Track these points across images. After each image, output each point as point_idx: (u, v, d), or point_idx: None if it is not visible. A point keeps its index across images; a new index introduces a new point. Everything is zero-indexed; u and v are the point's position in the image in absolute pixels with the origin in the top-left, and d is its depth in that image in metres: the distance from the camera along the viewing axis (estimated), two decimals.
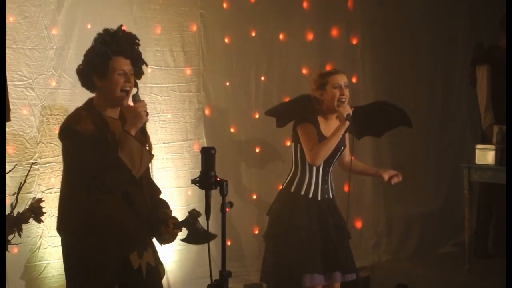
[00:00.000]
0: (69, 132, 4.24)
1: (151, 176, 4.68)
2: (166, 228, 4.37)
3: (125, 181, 4.24)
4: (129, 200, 4.32)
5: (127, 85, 4.29)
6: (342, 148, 5.42)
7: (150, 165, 4.55)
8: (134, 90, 4.35)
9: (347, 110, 5.22)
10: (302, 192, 5.32)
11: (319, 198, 5.34)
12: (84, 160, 4.19)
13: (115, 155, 4.15)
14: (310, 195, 5.32)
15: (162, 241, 4.45)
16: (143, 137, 4.39)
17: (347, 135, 5.47)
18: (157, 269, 4.50)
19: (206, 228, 4.06)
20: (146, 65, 4.47)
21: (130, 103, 4.34)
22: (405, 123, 5.66)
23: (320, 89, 5.30)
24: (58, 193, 5.47)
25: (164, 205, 4.53)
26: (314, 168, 5.33)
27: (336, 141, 5.26)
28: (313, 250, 5.25)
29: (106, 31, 4.36)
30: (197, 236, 4.33)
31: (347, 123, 5.22)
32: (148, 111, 4.31)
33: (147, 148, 4.37)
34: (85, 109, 4.33)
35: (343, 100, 5.26)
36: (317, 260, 5.25)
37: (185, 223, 4.35)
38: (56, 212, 5.47)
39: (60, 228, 4.39)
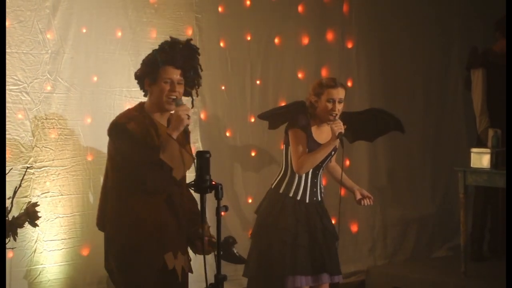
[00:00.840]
0: (119, 129, 4.46)
1: None
2: (202, 244, 4.50)
3: (167, 183, 4.43)
4: (170, 201, 4.52)
5: (172, 94, 4.52)
6: (333, 152, 5.44)
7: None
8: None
9: (339, 128, 5.24)
10: (291, 194, 5.35)
11: (307, 201, 5.38)
12: (131, 159, 4.39)
13: (157, 156, 4.33)
14: (298, 197, 5.36)
15: (196, 252, 4.68)
16: (186, 141, 4.62)
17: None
18: (187, 275, 4.68)
19: (236, 252, 4.49)
20: (200, 77, 4.68)
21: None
22: (397, 129, 5.67)
23: (316, 96, 5.33)
24: (53, 197, 5.53)
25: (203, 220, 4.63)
26: None
27: (323, 155, 5.31)
28: (299, 252, 5.27)
29: (168, 41, 4.63)
30: (228, 258, 4.56)
31: (337, 141, 5.25)
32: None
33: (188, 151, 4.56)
34: (136, 110, 4.57)
35: (334, 114, 5.28)
36: (303, 262, 5.28)
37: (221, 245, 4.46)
38: (51, 216, 5.51)
39: (102, 225, 4.60)
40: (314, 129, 5.35)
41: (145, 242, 4.43)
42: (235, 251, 4.55)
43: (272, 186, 5.47)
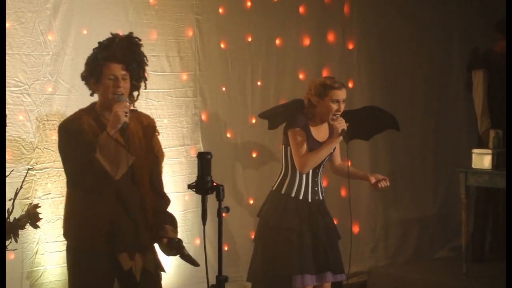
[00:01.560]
0: (61, 130, 4.47)
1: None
2: (161, 245, 4.53)
3: (103, 182, 4.35)
4: (121, 201, 4.43)
5: (117, 90, 4.43)
6: (332, 151, 5.43)
7: (158, 172, 4.72)
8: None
9: (342, 125, 5.23)
10: (293, 194, 5.35)
11: (309, 200, 5.37)
12: (70, 159, 4.39)
13: (92, 155, 4.27)
14: (301, 197, 5.35)
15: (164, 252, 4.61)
16: (148, 141, 4.54)
17: None
18: (157, 275, 4.57)
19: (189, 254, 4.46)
20: (144, 70, 4.58)
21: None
22: (393, 126, 5.66)
23: (317, 96, 5.30)
24: (55, 199, 5.54)
25: (168, 220, 4.62)
26: None
27: (327, 152, 5.30)
28: (304, 251, 5.27)
29: (107, 38, 4.55)
30: (184, 258, 4.55)
31: (340, 138, 5.24)
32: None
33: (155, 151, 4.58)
34: (86, 110, 4.53)
35: (338, 114, 5.28)
36: (308, 261, 5.27)
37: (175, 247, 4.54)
38: (53, 217, 5.54)
39: (64, 233, 4.59)
40: (312, 128, 5.35)
41: (96, 244, 4.39)
42: (187, 253, 4.52)
43: (273, 188, 5.46)
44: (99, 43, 4.55)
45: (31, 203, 4.85)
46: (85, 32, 5.73)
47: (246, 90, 6.69)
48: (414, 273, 6.95)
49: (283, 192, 5.37)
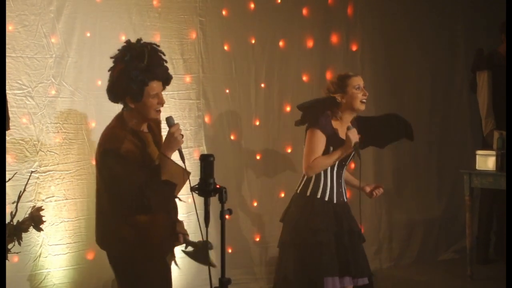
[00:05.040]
0: (113, 156, 4.32)
1: None
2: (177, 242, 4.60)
3: (168, 200, 4.46)
4: (169, 216, 4.53)
5: (159, 106, 4.44)
6: (353, 153, 5.38)
7: None
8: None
9: (355, 138, 5.19)
10: (318, 195, 5.29)
11: (335, 201, 5.32)
12: (129, 182, 4.30)
13: (159, 179, 4.29)
14: (326, 198, 5.29)
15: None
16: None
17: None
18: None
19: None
20: (171, 78, 4.56)
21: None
22: (407, 136, 5.63)
23: (339, 91, 5.26)
24: (58, 202, 5.53)
25: (177, 213, 4.68)
26: (329, 171, 5.31)
27: (336, 160, 5.25)
28: (332, 252, 5.24)
29: (135, 56, 4.37)
30: (200, 259, 4.55)
31: (351, 150, 5.21)
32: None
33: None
34: (121, 127, 4.40)
35: (364, 100, 5.26)
36: (335, 263, 5.24)
37: (195, 246, 4.57)
38: (56, 220, 5.51)
39: (102, 241, 4.53)
40: (339, 127, 5.29)
41: (146, 254, 4.42)
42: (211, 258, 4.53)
43: (298, 191, 5.39)
44: (132, 59, 4.35)
45: (35, 206, 4.85)
46: (88, 34, 5.73)
47: (250, 92, 6.68)
48: (418, 275, 6.94)
49: (308, 194, 5.30)
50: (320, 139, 5.21)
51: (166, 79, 4.48)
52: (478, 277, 6.57)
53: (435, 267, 7.30)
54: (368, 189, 5.46)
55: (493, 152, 6.40)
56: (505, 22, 6.85)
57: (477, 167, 6.48)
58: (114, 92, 4.41)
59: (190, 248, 4.59)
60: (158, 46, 4.49)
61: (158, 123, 4.60)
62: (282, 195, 6.63)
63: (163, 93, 4.46)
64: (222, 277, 3.91)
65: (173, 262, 4.64)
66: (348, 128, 5.19)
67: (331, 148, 5.22)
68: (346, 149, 5.21)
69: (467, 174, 6.53)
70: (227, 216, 3.94)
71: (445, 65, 7.86)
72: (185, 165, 4.42)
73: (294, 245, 5.28)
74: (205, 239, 4.01)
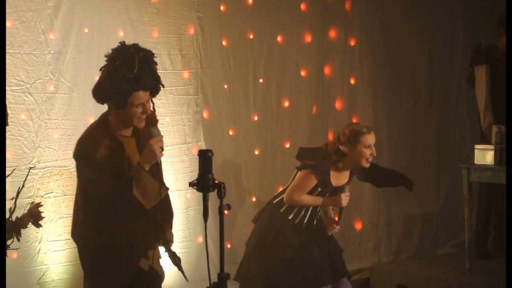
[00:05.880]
0: (87, 158, 4.26)
1: None
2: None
3: (136, 213, 4.31)
4: (143, 214, 4.38)
5: (143, 115, 4.31)
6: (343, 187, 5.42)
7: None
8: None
9: (346, 201, 5.29)
10: (290, 217, 5.34)
11: (303, 226, 5.36)
12: (97, 185, 4.24)
13: (129, 191, 4.19)
14: (296, 221, 5.34)
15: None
16: (157, 170, 4.38)
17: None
18: (161, 272, 4.58)
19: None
20: (163, 87, 4.42)
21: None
22: (407, 187, 5.66)
23: (349, 144, 5.28)
24: (57, 198, 5.54)
25: (167, 217, 4.60)
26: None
27: (319, 204, 5.33)
28: (305, 265, 5.26)
29: (125, 63, 4.25)
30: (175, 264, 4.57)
31: (336, 206, 5.36)
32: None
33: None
34: (101, 128, 4.33)
35: (371, 160, 5.29)
36: (322, 272, 5.26)
37: (170, 254, 4.57)
38: (55, 216, 5.52)
39: (74, 237, 4.47)
40: (333, 174, 5.33)
41: (113, 255, 4.35)
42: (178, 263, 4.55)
43: (274, 202, 5.44)
44: (122, 66, 4.23)
45: (33, 202, 4.86)
46: (86, 30, 5.73)
47: (248, 87, 6.68)
48: (417, 269, 6.95)
49: (281, 211, 5.36)
50: (312, 182, 5.28)
51: (154, 89, 4.34)
52: (476, 271, 6.57)
53: (434, 261, 7.30)
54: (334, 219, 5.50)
55: (492, 147, 6.40)
56: (504, 17, 6.85)
57: (475, 162, 6.48)
58: (98, 93, 4.31)
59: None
60: (153, 54, 4.35)
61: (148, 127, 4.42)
62: (281, 190, 6.62)
63: (162, 88, 4.41)
64: (221, 272, 3.91)
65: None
66: (343, 190, 5.30)
67: (319, 189, 5.27)
68: (334, 203, 5.31)
69: (465, 168, 6.53)
70: (226, 212, 3.95)
71: (443, 59, 7.86)
72: (162, 180, 4.36)
73: (260, 255, 5.33)
74: (204, 234, 4.00)
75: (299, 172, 5.34)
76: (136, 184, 4.21)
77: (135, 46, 4.32)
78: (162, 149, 4.32)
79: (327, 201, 5.36)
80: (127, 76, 4.22)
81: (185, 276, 4.52)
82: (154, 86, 4.33)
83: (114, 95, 4.23)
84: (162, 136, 4.35)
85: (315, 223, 5.41)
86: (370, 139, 5.31)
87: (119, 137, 4.33)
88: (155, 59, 4.37)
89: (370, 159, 5.31)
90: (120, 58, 4.26)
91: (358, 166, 5.35)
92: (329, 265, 5.32)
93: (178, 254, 4.59)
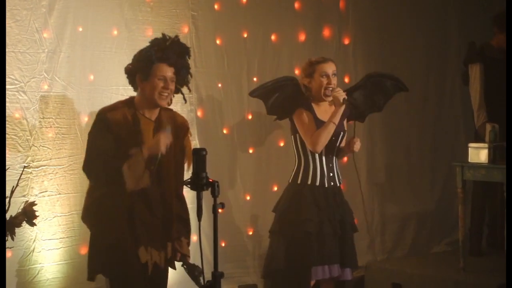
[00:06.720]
0: (99, 116, 4.59)
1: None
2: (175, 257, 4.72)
3: (140, 178, 4.47)
4: (143, 195, 4.55)
5: (164, 91, 4.59)
6: (342, 133, 5.43)
7: (182, 172, 4.83)
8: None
9: (342, 94, 5.27)
10: (309, 182, 5.33)
11: (326, 186, 5.35)
12: (99, 144, 4.50)
13: (120, 166, 4.40)
14: (317, 183, 5.33)
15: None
16: (179, 141, 4.68)
17: (345, 121, 5.49)
18: (165, 271, 4.71)
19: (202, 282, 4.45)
20: (191, 76, 4.79)
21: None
22: (400, 88, 5.67)
23: (308, 77, 5.34)
24: (51, 197, 5.54)
25: (183, 231, 4.75)
26: (317, 156, 5.34)
27: (334, 125, 5.27)
28: (322, 241, 5.26)
29: (159, 38, 4.69)
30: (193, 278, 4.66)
31: (343, 106, 5.25)
32: None
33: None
34: (125, 102, 4.65)
35: (330, 88, 5.30)
36: (324, 252, 5.27)
37: (189, 268, 4.67)
38: (49, 215, 5.54)
39: (83, 218, 4.78)
40: (316, 109, 5.34)
41: (118, 237, 4.52)
42: (202, 282, 4.58)
43: (289, 180, 5.45)
44: (152, 42, 4.68)
45: (28, 201, 4.86)
46: (80, 29, 5.72)
47: (242, 86, 6.68)
48: (411, 267, 6.95)
49: (299, 181, 5.36)
50: (308, 116, 5.27)
51: (179, 69, 4.62)
52: (470, 269, 6.57)
53: (428, 259, 7.30)
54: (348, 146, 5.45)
55: (486, 145, 6.40)
56: (499, 15, 6.85)
57: (469, 160, 6.48)
58: (130, 70, 4.66)
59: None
60: (188, 48, 4.78)
61: (178, 126, 4.71)
62: (275, 188, 6.64)
63: None
64: (215, 270, 3.92)
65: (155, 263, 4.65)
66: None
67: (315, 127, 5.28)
68: (338, 108, 5.24)
69: (459, 166, 6.53)
70: (219, 210, 3.96)
71: (437, 58, 7.87)
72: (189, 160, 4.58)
73: (283, 235, 5.33)
74: (198, 233, 4.01)
75: (293, 119, 5.33)
76: (129, 164, 4.41)
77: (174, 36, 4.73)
78: (166, 148, 4.48)
79: (335, 114, 5.27)
80: (156, 45, 4.63)
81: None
82: (179, 65, 4.63)
83: (141, 63, 4.57)
84: (171, 138, 4.55)
85: (338, 184, 5.40)
86: (326, 67, 5.32)
87: (139, 114, 4.57)
88: None
89: (329, 90, 5.28)
90: (152, 41, 4.71)
91: (321, 98, 5.31)
92: (330, 247, 5.31)
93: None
